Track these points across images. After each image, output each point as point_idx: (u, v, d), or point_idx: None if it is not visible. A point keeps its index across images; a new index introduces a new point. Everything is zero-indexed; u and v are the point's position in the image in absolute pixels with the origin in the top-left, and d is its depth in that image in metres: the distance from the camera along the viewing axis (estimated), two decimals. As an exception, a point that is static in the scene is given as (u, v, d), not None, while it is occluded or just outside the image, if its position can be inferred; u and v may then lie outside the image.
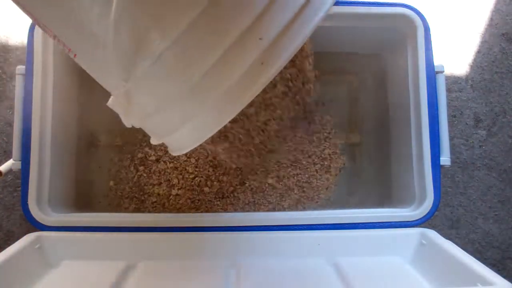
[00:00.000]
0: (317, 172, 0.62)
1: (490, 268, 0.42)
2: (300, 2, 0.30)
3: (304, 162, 0.62)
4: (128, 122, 0.37)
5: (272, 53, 0.29)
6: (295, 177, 0.62)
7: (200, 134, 0.34)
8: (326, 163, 0.63)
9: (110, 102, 0.35)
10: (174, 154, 0.39)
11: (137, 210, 0.60)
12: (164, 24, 0.28)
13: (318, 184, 0.62)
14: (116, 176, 0.61)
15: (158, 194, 0.60)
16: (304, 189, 0.62)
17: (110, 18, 0.28)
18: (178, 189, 0.60)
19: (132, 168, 0.61)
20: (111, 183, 0.61)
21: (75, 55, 0.32)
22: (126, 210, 0.60)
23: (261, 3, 0.28)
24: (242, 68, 0.29)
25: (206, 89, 0.30)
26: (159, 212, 0.60)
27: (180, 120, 0.33)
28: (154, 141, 0.39)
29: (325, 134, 0.64)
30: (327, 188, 0.62)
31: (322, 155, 0.63)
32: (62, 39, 0.31)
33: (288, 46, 0.29)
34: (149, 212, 0.60)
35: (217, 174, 0.61)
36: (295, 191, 0.62)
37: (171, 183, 0.60)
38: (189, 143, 0.36)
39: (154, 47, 0.29)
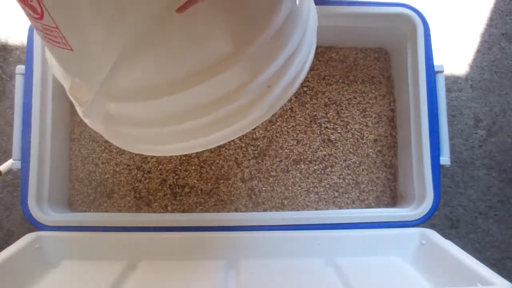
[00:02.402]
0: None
1: (490, 268, 0.42)
2: (303, 61, 0.35)
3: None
4: (97, 121, 0.35)
5: (275, 98, 0.34)
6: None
7: (186, 150, 0.36)
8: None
9: (87, 105, 0.33)
10: (155, 154, 0.40)
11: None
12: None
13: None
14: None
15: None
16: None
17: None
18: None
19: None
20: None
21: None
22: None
23: (279, 62, 0.32)
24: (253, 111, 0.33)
25: (199, 129, 0.33)
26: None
27: (172, 140, 0.34)
28: (125, 147, 0.39)
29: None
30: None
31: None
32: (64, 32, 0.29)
33: (286, 94, 0.35)
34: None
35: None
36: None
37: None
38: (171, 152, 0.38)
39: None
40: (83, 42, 0.28)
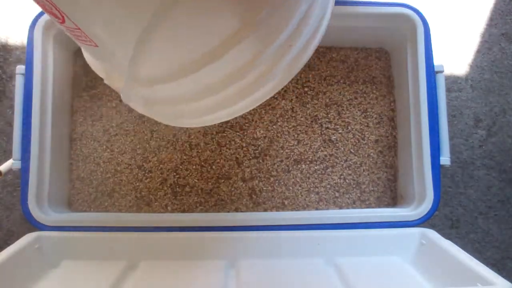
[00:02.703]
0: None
1: (490, 268, 0.42)
2: (320, 18, 0.36)
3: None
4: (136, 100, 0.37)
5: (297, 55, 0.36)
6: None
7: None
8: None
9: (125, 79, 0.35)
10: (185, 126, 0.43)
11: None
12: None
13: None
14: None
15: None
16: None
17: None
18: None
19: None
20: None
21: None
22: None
23: (294, 23, 0.33)
24: (276, 68, 0.34)
25: (235, 95, 0.35)
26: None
27: (210, 109, 0.37)
28: (173, 123, 0.42)
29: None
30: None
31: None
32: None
33: (306, 52, 0.37)
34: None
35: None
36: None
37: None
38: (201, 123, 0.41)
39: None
40: (104, 38, 0.31)
